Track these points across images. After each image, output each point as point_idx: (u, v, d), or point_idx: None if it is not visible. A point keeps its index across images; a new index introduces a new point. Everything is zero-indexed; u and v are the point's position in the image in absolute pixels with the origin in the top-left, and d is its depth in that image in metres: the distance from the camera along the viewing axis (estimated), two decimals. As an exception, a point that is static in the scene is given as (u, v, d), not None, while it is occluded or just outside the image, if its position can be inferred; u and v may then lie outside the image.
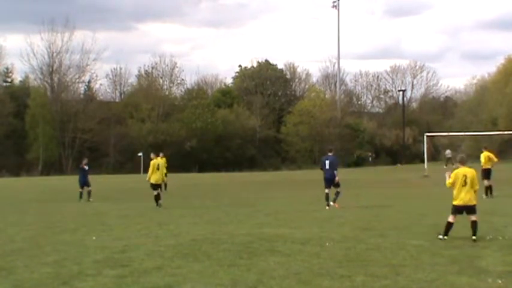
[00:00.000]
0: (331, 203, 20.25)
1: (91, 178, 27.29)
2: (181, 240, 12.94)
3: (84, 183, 26.46)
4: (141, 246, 12.33)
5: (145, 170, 35.26)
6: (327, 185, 20.72)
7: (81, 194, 26.43)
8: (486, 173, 24.12)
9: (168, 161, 29.41)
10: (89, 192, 26.31)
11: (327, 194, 20.58)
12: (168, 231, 14.72)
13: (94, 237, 13.76)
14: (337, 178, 20.62)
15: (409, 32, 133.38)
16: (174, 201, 24.87)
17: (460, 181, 12.53)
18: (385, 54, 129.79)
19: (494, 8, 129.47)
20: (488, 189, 23.74)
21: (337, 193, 20.57)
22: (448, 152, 62.46)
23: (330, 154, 21.09)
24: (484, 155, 24.84)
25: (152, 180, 22.14)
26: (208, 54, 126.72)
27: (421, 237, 12.87)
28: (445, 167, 59.66)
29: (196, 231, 14.39)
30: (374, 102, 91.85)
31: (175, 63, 79.21)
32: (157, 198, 21.84)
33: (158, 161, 22.74)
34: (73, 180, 36.48)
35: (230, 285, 8.70)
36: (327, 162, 20.76)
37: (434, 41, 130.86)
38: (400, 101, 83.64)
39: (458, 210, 12.63)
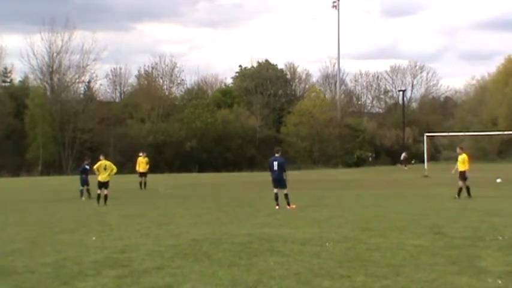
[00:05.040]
0: (287, 207, 20.36)
1: (90, 178, 27.55)
2: (181, 241, 12.95)
3: (85, 182, 27.79)
4: (141, 246, 12.34)
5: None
6: (275, 186, 20.93)
7: (82, 192, 27.72)
8: (465, 175, 23.79)
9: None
10: (88, 191, 27.45)
11: (276, 194, 20.79)
12: (168, 231, 14.73)
13: (94, 237, 13.76)
14: (286, 179, 20.88)
15: (406, 32, 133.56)
16: (174, 201, 24.87)
17: None
18: (383, 55, 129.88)
19: (490, 8, 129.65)
20: (467, 190, 23.46)
21: (286, 195, 20.74)
22: (404, 154, 64.60)
23: (277, 155, 21.22)
24: (465, 157, 24.27)
25: (100, 179, 23.89)
26: (206, 55, 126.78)
27: (421, 237, 12.88)
28: (405, 168, 60.07)
29: (196, 231, 14.40)
30: (374, 102, 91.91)
31: (175, 63, 79.27)
32: (99, 196, 23.63)
33: (105, 162, 24.33)
34: (73, 180, 36.44)
35: (230, 285, 8.70)
36: (275, 163, 20.92)
37: (432, 41, 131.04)
38: (400, 101, 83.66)
39: None
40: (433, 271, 9.35)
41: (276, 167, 20.84)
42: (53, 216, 19.50)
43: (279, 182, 20.84)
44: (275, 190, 20.90)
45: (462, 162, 23.93)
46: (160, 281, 9.02)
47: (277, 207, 20.34)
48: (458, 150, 25.13)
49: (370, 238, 12.82)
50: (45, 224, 17.13)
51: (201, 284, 8.81)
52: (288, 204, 20.47)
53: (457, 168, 24.24)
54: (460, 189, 23.28)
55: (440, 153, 75.78)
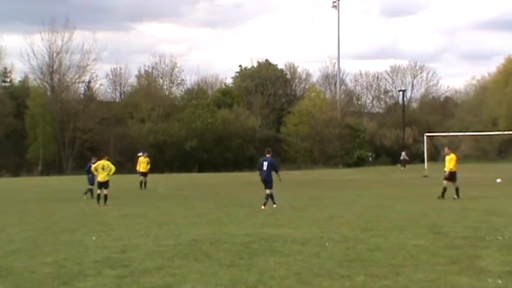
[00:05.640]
0: (262, 207, 20.39)
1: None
2: (181, 240, 12.95)
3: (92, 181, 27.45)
4: (141, 246, 12.34)
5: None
6: (266, 186, 20.93)
7: (88, 190, 27.50)
8: (455, 175, 23.70)
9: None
10: (91, 191, 27.04)
11: (271, 194, 20.79)
12: (168, 231, 14.73)
13: (94, 237, 13.76)
14: (279, 178, 20.93)
15: (405, 32, 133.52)
16: (174, 201, 24.88)
17: None
18: (383, 55, 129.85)
19: (489, 8, 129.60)
20: (444, 190, 23.36)
21: (268, 195, 20.77)
22: (403, 153, 63.88)
23: (268, 156, 21.25)
24: (453, 158, 24.14)
25: (99, 179, 24.04)
26: (206, 54, 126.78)
27: (421, 237, 12.88)
28: (402, 168, 60.06)
29: (197, 231, 14.40)
30: (374, 102, 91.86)
31: (175, 63, 79.19)
32: (99, 196, 23.82)
33: (104, 162, 24.42)
34: (73, 180, 36.40)
35: (230, 285, 8.70)
36: (265, 163, 20.98)
37: (431, 41, 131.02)
38: (400, 101, 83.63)
39: None
40: (433, 271, 9.35)
41: (265, 167, 20.90)
42: (53, 216, 19.50)
43: (267, 181, 20.90)
44: (267, 191, 20.91)
45: (450, 162, 23.88)
46: (161, 281, 9.02)
47: (274, 205, 20.38)
48: (446, 150, 25.00)
49: (370, 238, 12.82)
50: (45, 224, 17.13)
51: (201, 284, 8.81)
52: (264, 204, 20.52)
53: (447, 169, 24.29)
54: (457, 189, 23.23)
55: (440, 153, 75.79)
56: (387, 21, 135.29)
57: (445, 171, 23.76)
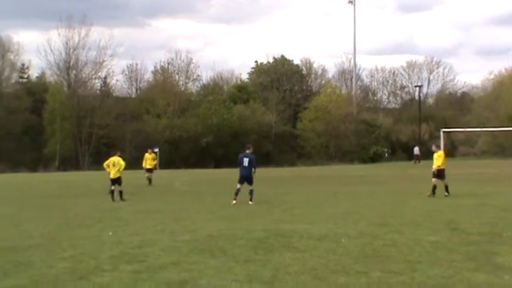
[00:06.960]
0: (250, 202, 20.44)
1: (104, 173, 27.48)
2: (197, 236, 12.98)
3: None
4: (157, 241, 12.38)
5: (161, 166, 35.58)
6: (241, 181, 20.95)
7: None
8: (443, 172, 23.43)
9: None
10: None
11: (238, 189, 20.82)
12: (184, 226, 14.76)
13: (110, 233, 13.82)
14: (253, 175, 20.99)
15: (421, 27, 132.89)
16: (189, 197, 24.93)
17: None
18: (398, 50, 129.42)
19: (505, 3, 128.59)
20: (433, 188, 23.07)
21: (251, 192, 20.84)
22: (416, 149, 62.82)
23: (248, 151, 21.28)
24: (442, 155, 23.82)
25: (111, 176, 23.85)
26: (221, 50, 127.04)
27: (438, 233, 12.81)
28: (414, 163, 59.44)
29: (212, 227, 14.42)
30: (390, 97, 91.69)
31: (191, 59, 79.41)
32: (113, 192, 23.56)
33: (115, 159, 24.25)
34: (90, 175, 36.52)
35: (246, 281, 8.71)
36: (246, 159, 21.01)
37: (447, 37, 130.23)
38: (416, 97, 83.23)
39: None
40: (449, 267, 9.30)
41: (246, 163, 20.91)
42: (69, 212, 19.62)
43: (248, 178, 20.94)
44: (238, 186, 20.90)
45: (438, 159, 23.64)
46: (176, 277, 9.04)
47: (234, 202, 20.37)
48: (433, 147, 24.73)
49: (386, 234, 12.77)
50: (62, 220, 17.25)
51: (217, 280, 8.83)
52: (251, 200, 20.61)
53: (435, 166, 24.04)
54: (446, 186, 22.92)
55: (458, 149, 75.31)
56: (403, 16, 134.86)
57: (433, 168, 23.52)
